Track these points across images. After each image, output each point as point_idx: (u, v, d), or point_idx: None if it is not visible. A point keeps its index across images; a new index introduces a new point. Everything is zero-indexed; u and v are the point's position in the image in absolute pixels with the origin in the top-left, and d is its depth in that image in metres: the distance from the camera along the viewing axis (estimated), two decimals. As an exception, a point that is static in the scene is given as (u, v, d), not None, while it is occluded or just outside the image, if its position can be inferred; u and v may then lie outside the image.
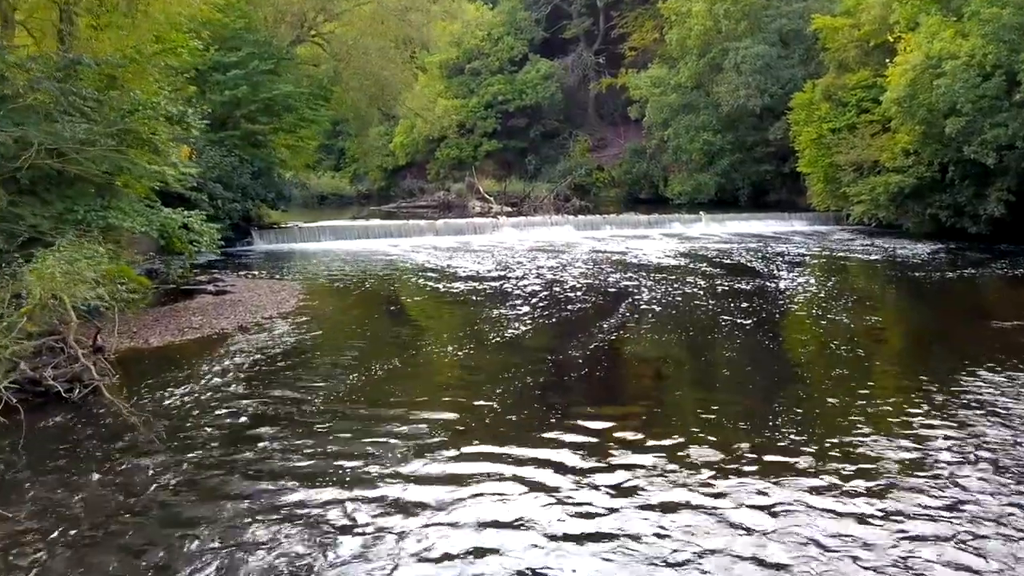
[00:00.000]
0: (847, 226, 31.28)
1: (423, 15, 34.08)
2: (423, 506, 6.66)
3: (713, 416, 8.85)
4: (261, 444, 8.07)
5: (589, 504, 6.68)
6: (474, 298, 16.98)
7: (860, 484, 7.01)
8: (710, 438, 8.14)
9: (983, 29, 22.70)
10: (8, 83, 12.66)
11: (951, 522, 6.33)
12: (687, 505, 6.66)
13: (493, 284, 18.53)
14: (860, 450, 7.80)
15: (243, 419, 8.85)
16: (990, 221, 24.64)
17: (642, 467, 7.42)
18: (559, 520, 6.40)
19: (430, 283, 19.14)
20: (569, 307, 15.59)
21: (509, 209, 40.03)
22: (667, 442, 8.04)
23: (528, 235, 30.13)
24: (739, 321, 13.99)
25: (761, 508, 6.58)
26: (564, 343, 12.52)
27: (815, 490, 6.90)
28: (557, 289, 17.53)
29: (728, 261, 22.41)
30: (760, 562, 5.76)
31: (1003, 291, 18.12)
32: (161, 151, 15.62)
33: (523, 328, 13.58)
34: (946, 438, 8.09)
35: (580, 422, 8.64)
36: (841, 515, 6.45)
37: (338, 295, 18.00)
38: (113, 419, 8.56)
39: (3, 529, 6.26)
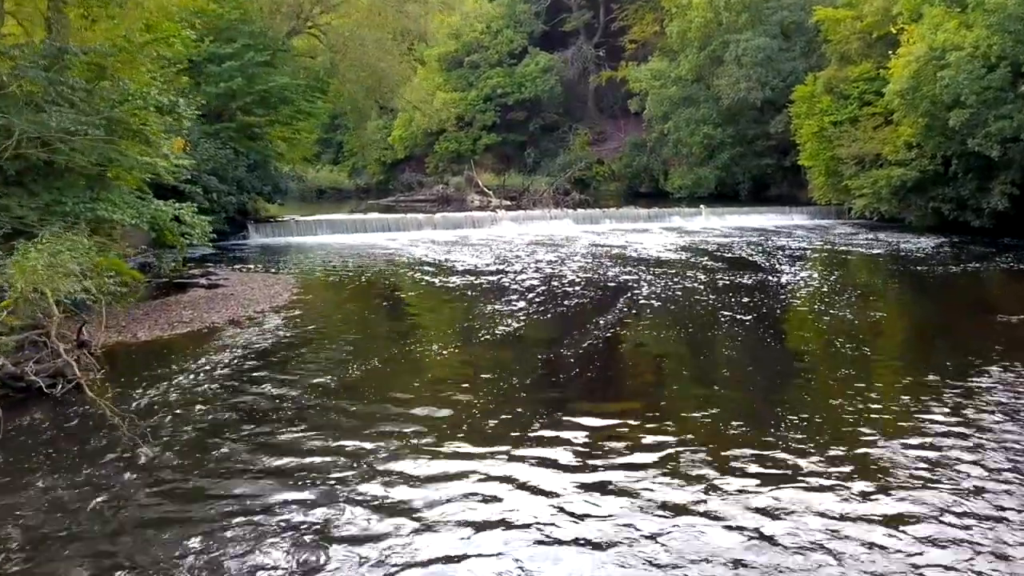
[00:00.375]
0: (848, 220, 31.01)
1: (421, 6, 33.78)
2: (413, 507, 6.41)
3: (713, 414, 8.59)
4: (245, 442, 7.83)
5: (584, 505, 6.43)
6: (471, 292, 16.72)
7: (866, 485, 6.76)
8: (710, 437, 7.90)
9: (988, 20, 22.37)
10: (-8, 72, 12.41)
11: (964, 526, 6.09)
12: (687, 507, 6.41)
13: (491, 278, 18.27)
14: (866, 450, 7.55)
15: (228, 416, 8.59)
16: (993, 215, 24.34)
17: (639, 467, 7.18)
18: (553, 523, 6.16)
19: (427, 277, 18.89)
20: (567, 302, 15.34)
21: (508, 203, 39.74)
22: (666, 440, 7.80)
23: (527, 229, 29.86)
24: (740, 316, 13.73)
25: (762, 510, 6.33)
26: (562, 338, 12.27)
27: (819, 492, 6.65)
28: (556, 283, 17.27)
29: (729, 255, 22.14)
30: (761, 567, 5.51)
31: (1008, 285, 17.85)
32: (152, 142, 15.35)
33: (520, 323, 13.32)
34: (955, 435, 7.84)
35: (576, 419, 8.39)
36: (848, 519, 6.20)
37: (333, 289, 17.74)
38: (94, 416, 8.30)
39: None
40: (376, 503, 6.49)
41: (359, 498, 6.58)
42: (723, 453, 7.43)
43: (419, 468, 7.16)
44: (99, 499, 6.57)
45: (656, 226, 30.70)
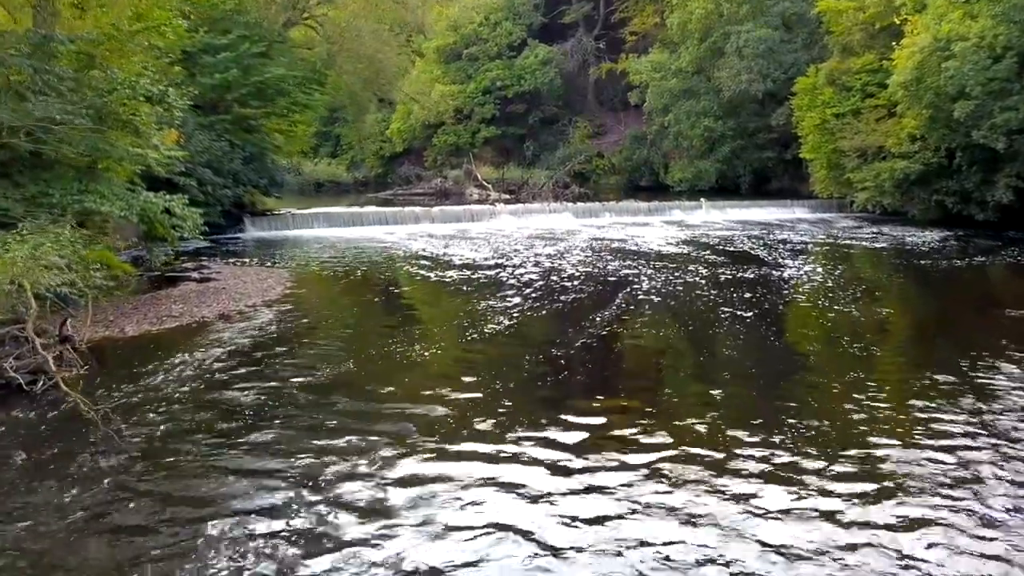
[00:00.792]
0: (851, 213, 30.70)
1: (419, -3, 33.46)
2: (400, 512, 6.12)
3: (714, 415, 8.28)
4: (225, 442, 7.52)
5: (578, 510, 6.14)
6: (468, 287, 16.42)
7: (878, 490, 6.47)
8: (711, 439, 7.60)
9: (993, 10, 22.07)
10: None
11: (975, 530, 5.80)
12: (686, 512, 6.12)
13: (489, 272, 17.97)
14: (875, 452, 7.24)
15: (211, 414, 8.28)
16: (998, 208, 24.07)
17: (638, 467, 6.89)
18: (549, 527, 5.87)
19: (423, 271, 18.59)
20: (566, 297, 15.03)
21: (507, 196, 39.44)
22: (665, 442, 7.50)
23: (526, 222, 29.54)
24: (742, 312, 13.43)
25: (765, 514, 6.05)
26: (560, 335, 11.98)
27: (827, 497, 6.36)
28: (554, 278, 16.97)
29: (730, 249, 21.83)
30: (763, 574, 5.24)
31: (1014, 280, 17.56)
32: (142, 133, 15.03)
33: (518, 319, 13.02)
34: (968, 436, 7.54)
35: (573, 419, 8.09)
36: (856, 525, 5.91)
37: (327, 283, 17.45)
38: (72, 414, 7.99)
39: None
40: (361, 507, 6.20)
41: (344, 502, 6.28)
42: (725, 456, 7.13)
43: (408, 470, 6.86)
44: (69, 501, 6.27)
45: (656, 220, 30.39)
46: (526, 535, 5.75)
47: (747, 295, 14.78)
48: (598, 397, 9.09)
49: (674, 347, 11.71)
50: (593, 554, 5.51)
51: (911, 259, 19.77)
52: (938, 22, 23.58)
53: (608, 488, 6.49)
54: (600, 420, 8.11)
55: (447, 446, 7.38)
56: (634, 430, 7.78)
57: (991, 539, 5.68)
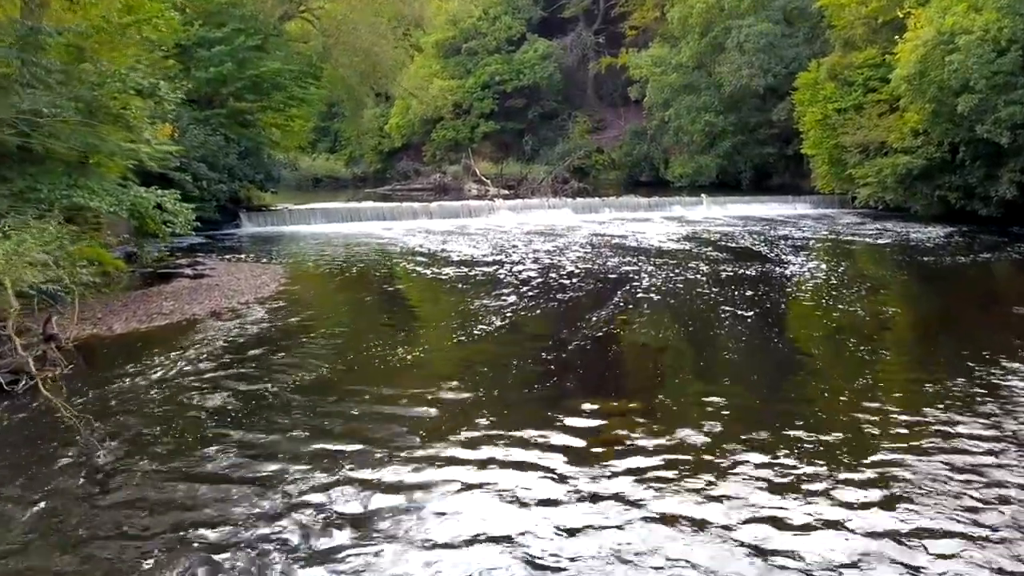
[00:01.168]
0: (852, 209, 30.41)
1: (417, -9, 33.12)
2: (392, 519, 5.88)
3: (715, 417, 8.03)
4: (210, 446, 7.26)
5: (575, 517, 5.90)
6: (465, 284, 16.17)
7: (884, 497, 6.22)
8: (712, 441, 7.35)
9: (998, 2, 21.74)
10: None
11: (990, 541, 5.55)
12: (686, 519, 5.87)
13: (487, 269, 17.71)
14: (883, 457, 6.99)
15: (196, 416, 8.03)
16: (1001, 203, 23.76)
17: (636, 471, 6.64)
18: (544, 537, 5.62)
19: (420, 268, 18.33)
20: (565, 294, 14.77)
21: (506, 192, 39.16)
22: (665, 443, 7.26)
23: (525, 218, 29.26)
24: (744, 310, 13.17)
25: (769, 521, 5.80)
26: (558, 334, 11.72)
27: (833, 504, 6.11)
28: (553, 275, 16.70)
29: (731, 245, 21.56)
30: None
31: (1021, 276, 17.30)
32: (133, 127, 14.77)
33: (515, 318, 12.77)
34: (977, 439, 7.29)
35: (570, 422, 7.84)
36: (866, 535, 5.66)
37: (322, 280, 17.18)
38: (52, 416, 7.73)
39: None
40: (347, 515, 5.95)
41: (330, 509, 6.03)
42: (726, 463, 6.88)
43: (397, 476, 6.61)
44: (43, 508, 6.02)
45: (657, 215, 30.11)
46: (519, 547, 5.50)
47: (749, 293, 14.53)
48: (596, 400, 8.81)
49: (674, 347, 11.45)
50: (590, 569, 5.26)
51: (915, 256, 19.50)
52: (942, 15, 23.25)
53: (605, 496, 6.24)
54: (598, 423, 7.86)
55: (438, 451, 7.12)
56: (635, 433, 7.53)
57: (1009, 550, 5.44)
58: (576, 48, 53.44)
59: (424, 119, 52.36)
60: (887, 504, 6.07)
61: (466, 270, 17.60)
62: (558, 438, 7.40)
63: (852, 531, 5.68)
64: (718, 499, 6.15)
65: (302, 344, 11.17)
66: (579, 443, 7.30)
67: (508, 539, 5.58)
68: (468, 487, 6.38)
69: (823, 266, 17.84)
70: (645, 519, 5.86)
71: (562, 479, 6.54)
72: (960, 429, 7.49)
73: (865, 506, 6.04)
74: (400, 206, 31.04)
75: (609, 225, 27.12)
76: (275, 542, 5.55)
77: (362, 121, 50.01)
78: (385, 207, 31.07)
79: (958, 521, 5.81)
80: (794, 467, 6.71)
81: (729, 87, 37.49)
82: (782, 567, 5.23)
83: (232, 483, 6.48)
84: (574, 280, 16.08)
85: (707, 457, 6.93)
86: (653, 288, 15.07)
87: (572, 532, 5.69)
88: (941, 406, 8.16)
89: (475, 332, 11.66)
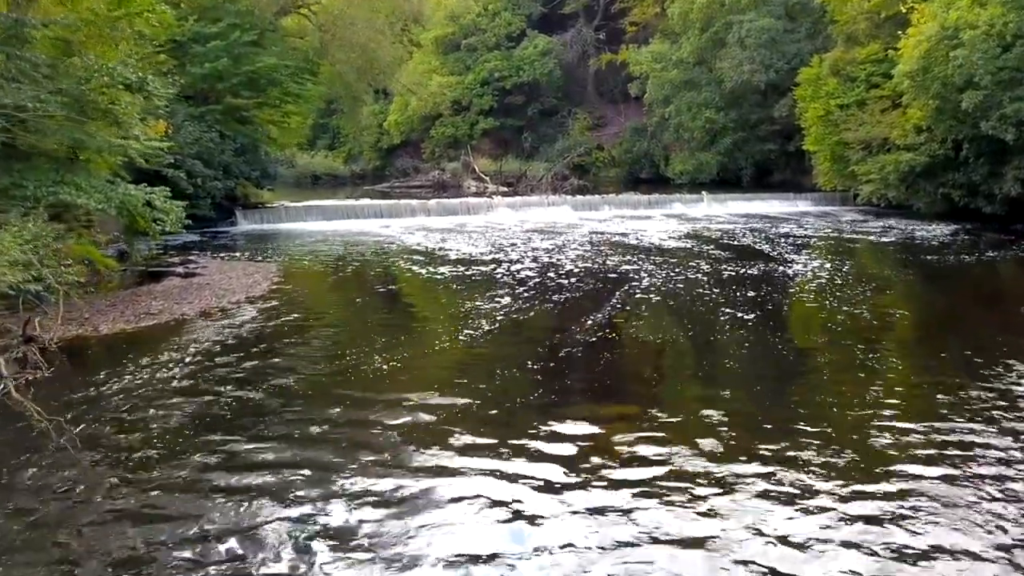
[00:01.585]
0: (855, 206, 30.12)
1: (415, -14, 32.81)
2: (381, 532, 5.60)
3: (717, 421, 7.75)
4: (193, 454, 6.97)
5: (573, 530, 5.61)
6: (463, 284, 15.89)
7: (893, 508, 5.93)
8: (713, 447, 7.06)
9: (1004, -3, 21.43)
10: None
11: (999, 552, 5.27)
12: (687, 531, 5.59)
13: (485, 268, 17.42)
14: (889, 466, 6.70)
15: (177, 422, 7.73)
16: (1006, 201, 23.43)
17: (634, 482, 6.36)
18: (540, 549, 5.34)
19: (417, 266, 18.04)
20: (564, 294, 14.48)
21: (505, 189, 38.86)
22: (666, 450, 6.97)
23: (524, 216, 28.96)
24: (745, 311, 12.88)
25: (769, 536, 5.52)
26: (557, 335, 11.44)
27: (839, 516, 5.82)
28: (552, 274, 16.41)
29: (733, 243, 21.27)
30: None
31: (1026, 275, 17.05)
32: (123, 123, 14.47)
33: (513, 318, 12.48)
34: (986, 447, 7.00)
35: (568, 429, 7.55)
36: (873, 547, 5.37)
37: (317, 279, 16.90)
38: (26, 422, 7.42)
39: None
40: (334, 527, 5.67)
41: (317, 521, 5.75)
42: (729, 471, 6.58)
43: (387, 486, 6.32)
44: (10, 523, 5.74)
45: (657, 213, 29.81)
46: (509, 566, 5.22)
47: (751, 293, 14.24)
48: (594, 404, 8.55)
49: (675, 348, 11.17)
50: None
51: (919, 254, 19.21)
52: (946, 10, 22.91)
53: (604, 507, 5.95)
54: (598, 429, 7.57)
55: (429, 461, 6.84)
56: (635, 438, 7.24)
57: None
58: (576, 44, 53.07)
59: (423, 116, 52.01)
60: (900, 518, 5.78)
61: (464, 269, 17.31)
62: (554, 448, 7.09)
63: (859, 546, 5.40)
64: (720, 514, 5.87)
65: (291, 346, 10.88)
66: (577, 451, 7.00)
67: (497, 556, 5.29)
68: (463, 499, 6.10)
69: (826, 265, 17.55)
70: (642, 534, 5.58)
71: (560, 490, 6.25)
72: (973, 438, 7.19)
73: (875, 521, 5.75)
74: (398, 203, 30.75)
75: (609, 223, 26.82)
76: (254, 555, 5.27)
77: (360, 118, 49.65)
78: (383, 204, 30.79)
79: (972, 537, 5.52)
80: (799, 479, 6.42)
81: (730, 83, 37.18)
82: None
83: (212, 493, 6.20)
84: (573, 279, 15.79)
85: (706, 469, 6.63)
86: (653, 288, 14.79)
87: (566, 547, 5.40)
88: (950, 413, 7.87)
89: (471, 334, 11.38)
